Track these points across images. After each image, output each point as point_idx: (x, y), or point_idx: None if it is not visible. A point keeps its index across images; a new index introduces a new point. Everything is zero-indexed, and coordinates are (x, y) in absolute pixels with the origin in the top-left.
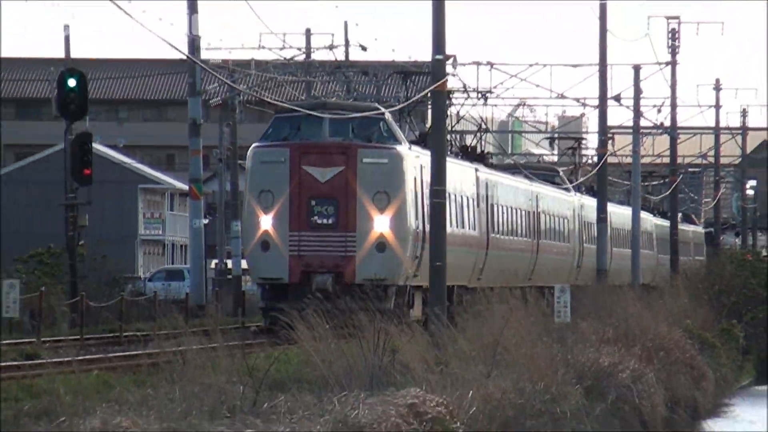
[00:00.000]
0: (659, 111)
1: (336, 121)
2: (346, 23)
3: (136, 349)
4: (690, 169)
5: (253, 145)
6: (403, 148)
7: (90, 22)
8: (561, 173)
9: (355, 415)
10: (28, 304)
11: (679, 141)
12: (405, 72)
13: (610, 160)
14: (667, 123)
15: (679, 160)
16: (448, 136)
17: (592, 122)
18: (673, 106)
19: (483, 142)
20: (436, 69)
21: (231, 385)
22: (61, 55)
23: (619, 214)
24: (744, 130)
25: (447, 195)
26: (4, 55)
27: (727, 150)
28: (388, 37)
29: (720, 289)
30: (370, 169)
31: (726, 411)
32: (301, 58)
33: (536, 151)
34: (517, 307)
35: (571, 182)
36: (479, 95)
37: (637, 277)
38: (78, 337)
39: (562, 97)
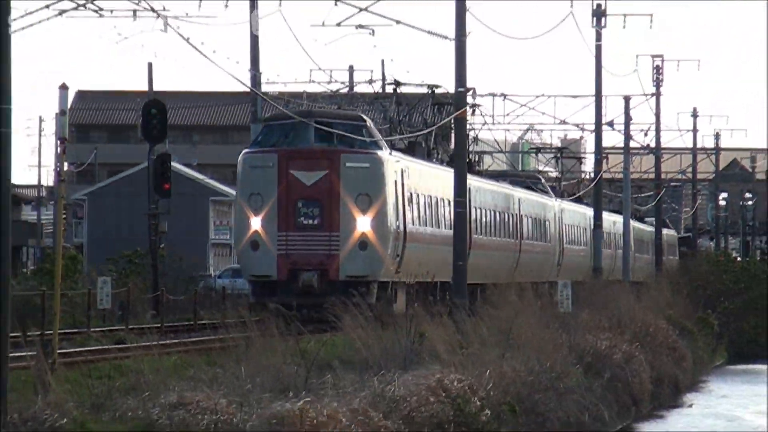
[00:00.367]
0: (646, 134)
1: (321, 128)
2: (383, 61)
3: (208, 336)
4: (672, 184)
5: (244, 151)
6: (383, 153)
7: (170, 59)
8: (543, 181)
9: (390, 390)
10: (118, 297)
11: (662, 160)
12: (439, 104)
13: (605, 176)
14: (653, 144)
15: (663, 176)
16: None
17: (589, 144)
18: (658, 130)
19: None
20: (458, 100)
21: (287, 365)
22: (146, 88)
23: (605, 219)
24: (717, 150)
25: (430, 199)
26: (100, 89)
27: (702, 167)
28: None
29: (697, 284)
30: (352, 172)
31: (702, 386)
32: (345, 90)
33: (543, 168)
34: (527, 300)
35: (554, 189)
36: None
37: (627, 274)
38: (159, 325)
39: (564, 123)
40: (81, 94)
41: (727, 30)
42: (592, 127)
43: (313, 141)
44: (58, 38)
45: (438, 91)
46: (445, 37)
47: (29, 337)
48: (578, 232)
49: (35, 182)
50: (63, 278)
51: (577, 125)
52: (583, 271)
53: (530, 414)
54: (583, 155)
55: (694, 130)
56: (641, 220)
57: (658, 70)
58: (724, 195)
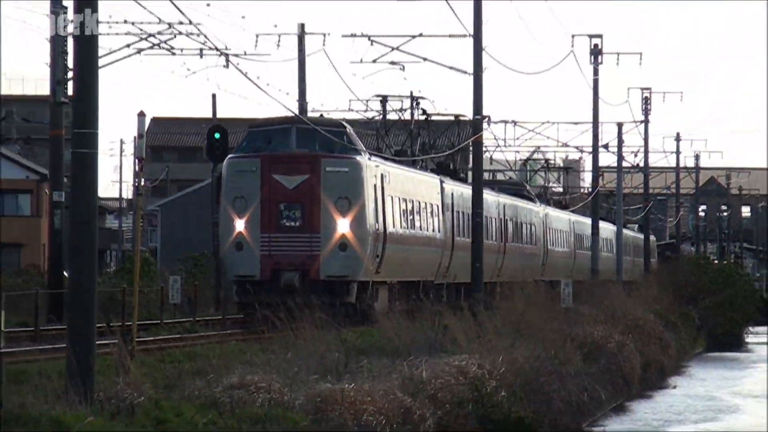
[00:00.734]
0: (636, 155)
1: (303, 134)
2: (411, 92)
3: (263, 327)
4: (658, 197)
5: (228, 156)
6: (362, 158)
7: (231, 91)
8: (528, 188)
9: (418, 373)
10: (186, 293)
11: (650, 177)
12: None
13: (600, 191)
14: (642, 164)
15: (651, 191)
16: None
17: (587, 163)
18: (646, 152)
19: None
20: (475, 125)
21: (329, 352)
22: (210, 115)
23: (601, 227)
24: (697, 169)
25: (412, 203)
26: (172, 115)
27: (684, 184)
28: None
29: (680, 283)
30: (332, 176)
31: (684, 371)
32: (379, 117)
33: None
34: (535, 296)
35: (558, 203)
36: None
37: (620, 275)
38: (221, 317)
39: (566, 145)
40: (155, 120)
41: (706, 67)
42: (590, 149)
43: (295, 146)
44: (137, 73)
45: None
46: (465, 72)
47: (112, 328)
48: (561, 235)
49: (117, 195)
50: (140, 277)
51: (577, 147)
52: (567, 270)
53: (537, 394)
54: (581, 172)
55: (677, 152)
56: (624, 227)
57: (646, 101)
58: (703, 207)
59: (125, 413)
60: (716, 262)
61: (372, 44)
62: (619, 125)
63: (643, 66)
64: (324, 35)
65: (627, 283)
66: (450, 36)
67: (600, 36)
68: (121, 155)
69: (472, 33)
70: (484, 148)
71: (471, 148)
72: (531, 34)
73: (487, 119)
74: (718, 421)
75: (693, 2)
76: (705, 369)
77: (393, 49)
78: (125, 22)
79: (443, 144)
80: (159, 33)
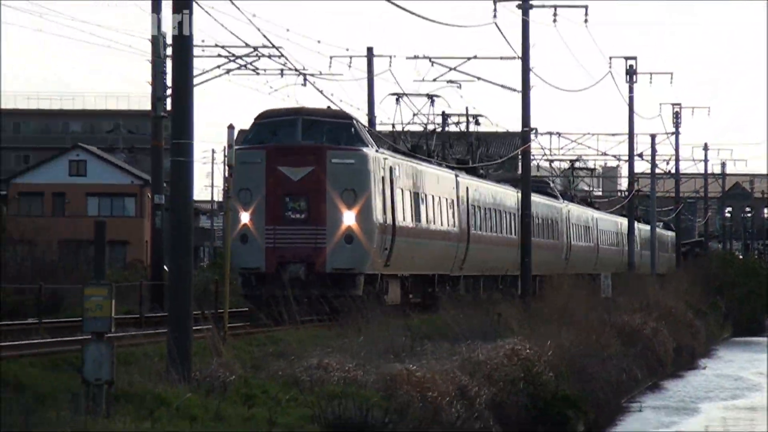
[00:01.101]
0: (667, 163)
1: (309, 126)
2: (467, 108)
3: (337, 315)
4: (688, 200)
5: (234, 147)
6: (369, 150)
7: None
8: (551, 185)
9: (475, 355)
10: None
11: (681, 182)
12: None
13: (635, 195)
14: (673, 171)
15: (681, 195)
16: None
17: (623, 170)
18: (677, 160)
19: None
20: (524, 137)
21: (396, 337)
22: None
23: (619, 222)
24: (723, 175)
25: (425, 196)
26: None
27: (712, 188)
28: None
29: (709, 277)
30: (338, 168)
31: (713, 354)
32: (439, 129)
33: (587, 188)
34: (578, 287)
35: (564, 194)
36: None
37: (654, 268)
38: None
39: (605, 154)
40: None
41: (732, 82)
42: (627, 158)
43: (301, 138)
44: (226, 90)
45: (510, 129)
46: (514, 90)
47: (206, 315)
48: (585, 231)
49: (209, 198)
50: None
51: (614, 156)
52: (590, 264)
53: (581, 374)
54: (619, 179)
55: (705, 160)
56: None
57: (677, 115)
58: (728, 209)
59: (218, 390)
60: (741, 257)
61: (432, 65)
62: (653, 136)
63: (674, 83)
64: (390, 57)
65: (659, 275)
66: (501, 58)
67: (635, 58)
68: (212, 163)
69: (520, 55)
70: (531, 157)
71: (520, 157)
72: (573, 55)
73: (534, 131)
74: (744, 398)
75: (720, 25)
76: (732, 352)
77: (451, 69)
78: (216, 45)
79: (495, 153)
80: (245, 55)
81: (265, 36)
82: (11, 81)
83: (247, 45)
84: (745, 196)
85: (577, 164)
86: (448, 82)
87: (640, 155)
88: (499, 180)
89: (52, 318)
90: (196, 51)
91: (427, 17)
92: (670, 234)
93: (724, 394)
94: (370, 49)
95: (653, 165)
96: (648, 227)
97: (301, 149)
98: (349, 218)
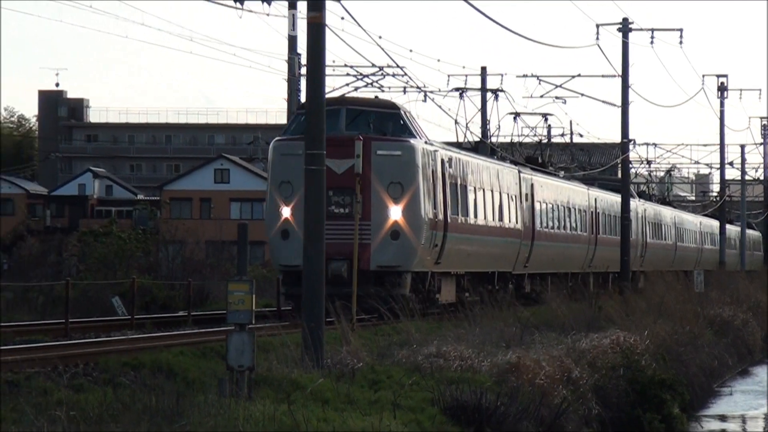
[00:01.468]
0: (756, 170)
1: (353, 116)
2: (571, 121)
3: (454, 309)
4: None
5: (275, 138)
6: (417, 142)
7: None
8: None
9: (580, 344)
10: None
11: None
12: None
13: (726, 200)
14: (762, 177)
15: None
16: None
17: (715, 177)
18: (766, 167)
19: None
20: (623, 147)
21: (507, 327)
22: None
23: (705, 223)
24: None
25: (483, 191)
26: None
27: None
28: (595, 124)
29: None
30: (384, 160)
31: None
32: (545, 141)
33: (683, 194)
34: (673, 282)
35: (641, 194)
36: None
37: (743, 265)
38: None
39: (698, 163)
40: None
41: None
42: (718, 166)
43: (344, 128)
44: None
45: (611, 141)
46: (614, 105)
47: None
48: (662, 229)
49: None
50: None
51: (707, 164)
52: (668, 262)
53: (675, 361)
54: (711, 185)
55: None
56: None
57: (765, 128)
58: None
59: (348, 376)
60: None
61: (540, 83)
62: (742, 147)
63: (762, 98)
64: (502, 75)
65: (749, 271)
66: (602, 76)
67: (726, 75)
68: None
69: (620, 74)
70: (630, 165)
71: (620, 165)
72: (668, 73)
73: (632, 142)
74: None
75: None
76: None
77: (556, 86)
78: (345, 65)
79: (596, 161)
80: (372, 74)
81: (389, 56)
82: (164, 97)
83: (373, 65)
84: None
85: (672, 172)
86: (554, 98)
87: (731, 163)
88: (592, 182)
89: (199, 311)
90: (327, 70)
91: (536, 40)
92: (757, 234)
93: None
94: (483, 68)
95: (743, 172)
96: (734, 228)
97: (345, 140)
98: (395, 213)
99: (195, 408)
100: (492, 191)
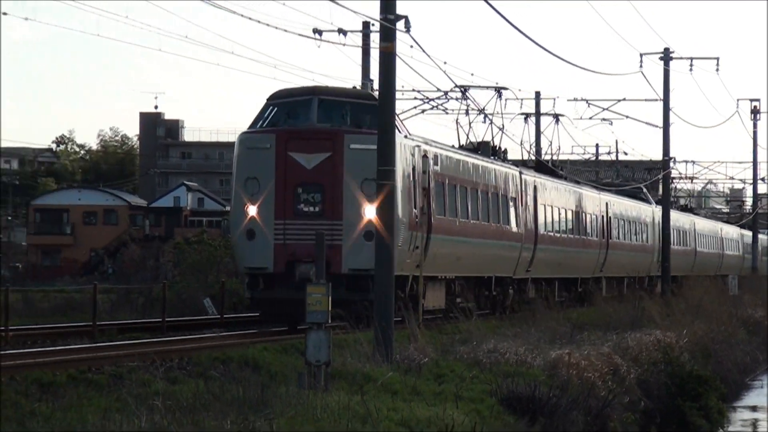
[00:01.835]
0: None
1: (327, 108)
2: (616, 141)
3: (509, 310)
4: None
5: (242, 131)
6: (396, 136)
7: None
8: (644, 190)
9: (624, 341)
10: None
11: None
12: (649, 168)
13: (760, 211)
14: None
15: None
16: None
17: (748, 191)
18: None
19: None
20: (664, 164)
21: (559, 326)
22: None
23: (726, 230)
24: None
25: (477, 192)
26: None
27: None
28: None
29: None
30: (358, 155)
31: None
32: (593, 159)
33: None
34: (710, 286)
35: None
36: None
37: None
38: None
39: (732, 179)
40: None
41: None
42: (751, 181)
43: (316, 120)
44: (421, 126)
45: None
46: (656, 126)
47: (399, 308)
48: (682, 234)
49: None
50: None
51: (741, 180)
52: (687, 267)
53: (712, 357)
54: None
55: None
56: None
57: None
58: None
59: (415, 370)
60: None
61: (588, 106)
62: None
63: None
64: (554, 99)
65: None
66: (645, 100)
67: (758, 99)
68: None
69: (661, 98)
70: (670, 181)
71: (661, 181)
72: (706, 97)
73: (672, 159)
74: None
75: None
76: None
77: (604, 109)
78: (413, 90)
79: (639, 177)
80: (437, 98)
81: (452, 80)
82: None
83: (438, 89)
84: None
85: (708, 186)
86: (601, 120)
87: (763, 179)
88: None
89: None
90: (397, 94)
91: (585, 67)
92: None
93: None
94: (537, 93)
95: None
96: (763, 237)
97: (316, 133)
98: (369, 212)
99: (277, 398)
100: (487, 192)
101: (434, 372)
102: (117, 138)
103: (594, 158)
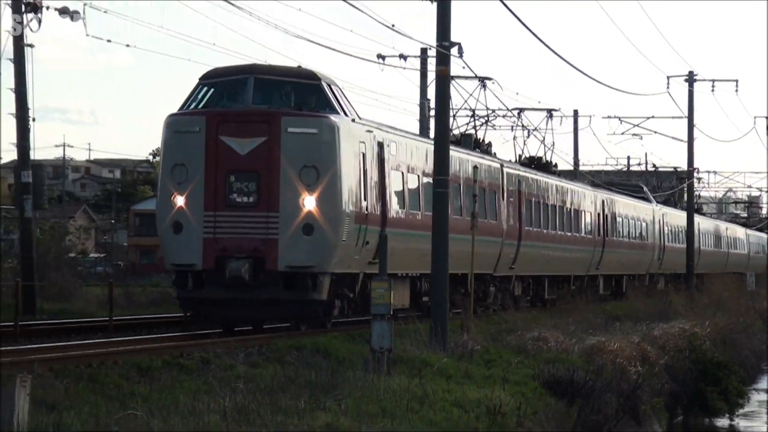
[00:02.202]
0: None
1: (265, 88)
2: (646, 153)
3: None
4: None
5: (169, 113)
6: (339, 118)
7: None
8: (645, 189)
9: (653, 331)
10: None
11: None
12: (680, 177)
13: None
14: None
15: None
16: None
17: (764, 198)
18: None
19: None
20: (689, 174)
21: (594, 318)
22: None
23: (750, 234)
24: None
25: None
26: None
27: None
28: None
29: None
30: (296, 139)
31: None
32: (624, 170)
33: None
34: (729, 282)
35: (666, 202)
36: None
37: None
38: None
39: (750, 187)
40: None
41: None
42: (767, 189)
43: (251, 101)
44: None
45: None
46: (682, 140)
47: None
48: (683, 233)
49: None
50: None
51: (758, 189)
52: (719, 266)
53: (731, 345)
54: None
55: None
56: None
57: None
58: None
59: (467, 356)
60: None
61: (621, 122)
62: None
63: None
64: (590, 116)
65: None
66: (672, 117)
67: None
68: None
69: (686, 115)
70: (695, 189)
71: (686, 189)
72: (726, 114)
73: (696, 170)
74: None
75: None
76: None
77: (634, 125)
78: (465, 108)
79: (666, 185)
80: (486, 116)
81: (500, 100)
82: None
83: (487, 108)
84: None
85: (729, 194)
86: (632, 135)
87: None
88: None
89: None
90: (450, 112)
91: (618, 88)
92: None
93: None
94: (575, 111)
95: None
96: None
97: (250, 115)
98: (309, 203)
99: (345, 381)
100: (460, 184)
101: (484, 358)
102: None
103: (626, 169)
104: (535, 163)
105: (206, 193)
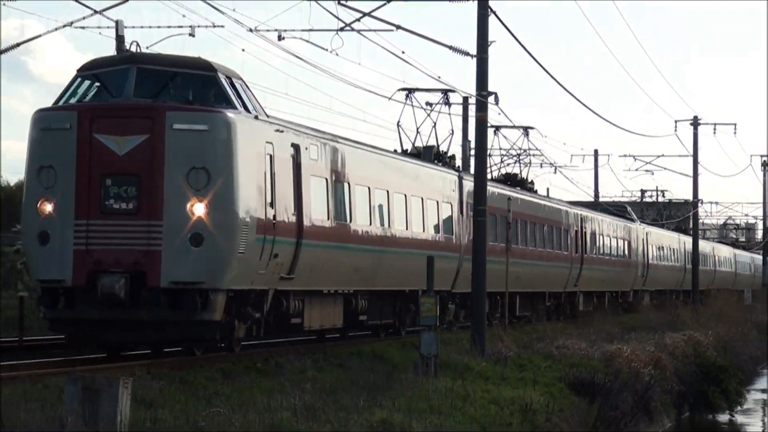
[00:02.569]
0: None
1: (149, 79)
2: (657, 186)
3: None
4: None
5: (38, 108)
6: (236, 114)
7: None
8: (629, 209)
9: (663, 339)
10: None
11: None
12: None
13: None
14: None
15: None
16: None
17: (759, 225)
18: None
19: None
20: (694, 204)
21: (612, 328)
22: None
23: (719, 248)
24: None
25: (388, 194)
26: None
27: None
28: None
29: None
30: (183, 137)
31: None
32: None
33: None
34: (728, 297)
35: (654, 222)
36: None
37: None
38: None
39: (746, 215)
40: None
41: None
42: (762, 218)
43: (133, 94)
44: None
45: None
46: (688, 176)
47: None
48: (668, 252)
49: None
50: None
51: (754, 217)
52: (675, 282)
53: (731, 351)
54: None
55: None
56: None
57: None
58: None
59: (502, 362)
60: None
61: (635, 160)
62: None
63: None
64: (608, 155)
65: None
66: (679, 156)
67: (767, 155)
68: None
69: (692, 154)
70: (699, 218)
71: (691, 217)
72: (726, 153)
73: (700, 201)
74: None
75: None
76: None
77: (647, 162)
78: (500, 148)
79: (674, 214)
80: (518, 155)
81: (529, 140)
82: None
83: (519, 148)
84: None
85: (728, 221)
86: (645, 170)
87: None
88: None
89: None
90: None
91: (632, 131)
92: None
93: None
94: (595, 151)
95: None
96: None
97: (130, 110)
98: (198, 209)
99: (399, 383)
100: (405, 195)
101: (517, 363)
102: None
103: (639, 200)
104: (510, 180)
105: (78, 199)
